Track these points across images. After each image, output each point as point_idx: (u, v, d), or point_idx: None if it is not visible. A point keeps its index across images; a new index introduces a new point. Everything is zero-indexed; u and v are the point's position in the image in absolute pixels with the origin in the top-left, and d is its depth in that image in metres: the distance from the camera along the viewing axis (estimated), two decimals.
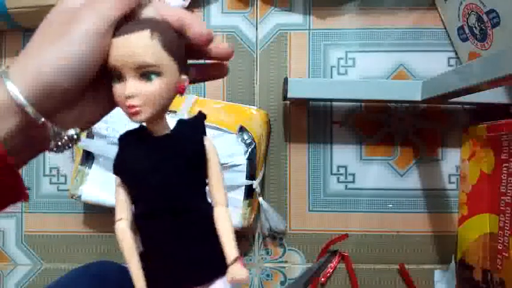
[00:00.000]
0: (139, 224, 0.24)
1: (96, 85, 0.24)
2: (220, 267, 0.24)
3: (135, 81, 0.23)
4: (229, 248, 0.24)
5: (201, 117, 0.26)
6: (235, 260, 0.23)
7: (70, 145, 0.23)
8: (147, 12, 0.24)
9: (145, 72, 0.22)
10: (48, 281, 0.45)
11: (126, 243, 0.24)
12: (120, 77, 0.23)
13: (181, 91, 0.24)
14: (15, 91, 0.21)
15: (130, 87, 0.22)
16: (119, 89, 0.23)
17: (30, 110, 0.21)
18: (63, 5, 0.23)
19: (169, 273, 0.24)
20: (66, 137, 0.23)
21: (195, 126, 0.26)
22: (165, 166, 0.24)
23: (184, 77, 0.25)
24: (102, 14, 0.22)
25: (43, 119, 0.22)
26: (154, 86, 0.23)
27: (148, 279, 0.24)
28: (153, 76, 0.23)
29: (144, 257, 0.24)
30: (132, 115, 0.23)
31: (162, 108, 0.24)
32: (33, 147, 0.24)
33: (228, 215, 0.25)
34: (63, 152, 0.24)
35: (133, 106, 0.23)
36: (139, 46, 0.22)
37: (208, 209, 0.25)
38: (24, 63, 0.22)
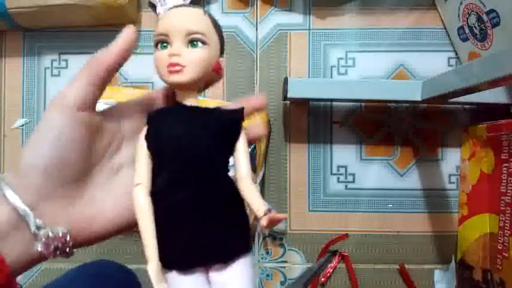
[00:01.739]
0: (160, 194, 0.24)
1: (95, 190, 0.25)
2: (241, 247, 0.24)
3: (182, 46, 0.24)
4: (260, 205, 0.23)
5: (242, 108, 0.26)
6: (268, 211, 0.23)
7: (57, 245, 0.22)
8: None
9: (193, 39, 0.24)
10: (48, 281, 0.45)
11: (142, 208, 0.23)
12: (165, 43, 0.24)
13: (217, 70, 0.25)
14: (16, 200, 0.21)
15: (177, 48, 0.23)
16: (161, 53, 0.24)
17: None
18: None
19: (187, 248, 0.23)
20: (51, 233, 0.22)
21: (237, 112, 0.26)
22: (200, 135, 0.24)
23: (222, 58, 0.26)
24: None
25: (24, 207, 0.21)
26: (199, 52, 0.24)
27: (162, 252, 0.23)
28: (199, 44, 0.24)
29: (160, 229, 0.23)
30: (174, 73, 0.23)
31: (200, 77, 0.24)
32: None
33: (252, 183, 0.24)
34: (51, 256, 0.22)
35: (177, 64, 0.23)
36: (193, 16, 0.24)
37: (233, 183, 0.25)
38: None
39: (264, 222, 0.22)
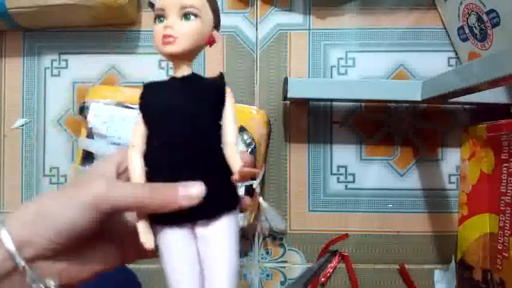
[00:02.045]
0: (153, 156, 0.26)
1: (87, 247, 0.25)
2: (226, 204, 0.26)
3: (176, 19, 0.25)
4: (236, 160, 0.25)
5: (223, 75, 0.28)
6: (242, 166, 0.25)
7: None
8: None
9: (186, 13, 0.25)
10: None
11: (135, 167, 0.25)
12: (161, 17, 0.26)
13: (210, 42, 0.27)
14: (7, 239, 0.22)
15: (171, 21, 0.25)
16: (158, 26, 0.26)
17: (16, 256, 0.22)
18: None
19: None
20: (42, 286, 0.23)
21: (220, 79, 0.27)
22: (190, 101, 0.26)
23: (216, 32, 0.27)
24: (101, 196, 0.23)
25: (23, 264, 0.22)
26: (192, 25, 0.26)
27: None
28: (192, 17, 0.25)
29: None
30: (166, 44, 0.25)
31: (193, 48, 0.26)
32: None
33: (238, 152, 0.26)
34: None
35: (170, 35, 0.25)
36: None
37: (220, 150, 0.26)
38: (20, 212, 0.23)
39: (235, 176, 0.25)
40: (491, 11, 0.51)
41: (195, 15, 0.25)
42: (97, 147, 0.57)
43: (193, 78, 0.27)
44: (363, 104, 0.64)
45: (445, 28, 0.63)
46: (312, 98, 0.62)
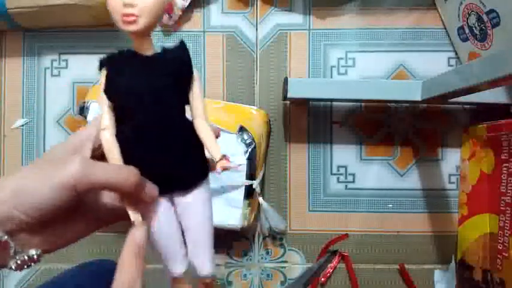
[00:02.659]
0: (126, 141, 0.26)
1: (66, 218, 0.26)
2: (200, 176, 0.28)
3: None
4: (215, 149, 0.27)
5: (183, 44, 0.28)
6: (223, 156, 0.27)
7: (29, 264, 0.24)
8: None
9: None
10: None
11: (109, 145, 0.26)
12: None
13: (169, 11, 0.27)
14: None
15: None
16: (115, 0, 0.25)
17: None
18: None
19: (154, 181, 0.26)
20: (26, 257, 0.24)
21: (181, 48, 0.27)
22: (156, 79, 0.25)
23: None
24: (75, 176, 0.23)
25: (5, 237, 0.23)
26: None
27: None
28: None
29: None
30: (127, 24, 0.24)
31: (153, 22, 0.25)
32: None
33: (208, 125, 0.27)
34: (21, 271, 0.24)
35: (131, 14, 0.24)
36: None
37: (190, 124, 0.27)
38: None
39: (218, 167, 0.27)
40: (491, 11, 0.51)
41: None
42: None
43: (157, 56, 0.26)
44: (363, 104, 0.64)
45: (445, 28, 0.63)
46: (312, 98, 0.62)
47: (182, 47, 0.27)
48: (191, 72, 0.27)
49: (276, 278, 0.65)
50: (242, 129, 0.56)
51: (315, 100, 0.64)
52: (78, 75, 0.66)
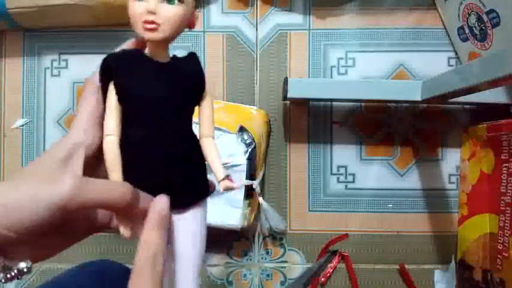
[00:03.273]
0: (131, 148, 0.25)
1: (56, 231, 0.25)
2: (201, 193, 0.27)
3: (158, 2, 0.24)
4: (220, 169, 0.26)
5: (195, 54, 0.27)
6: (226, 176, 0.26)
7: (19, 277, 0.23)
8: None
9: None
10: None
11: (112, 155, 0.24)
12: None
13: (191, 25, 0.27)
14: None
15: (153, 4, 0.24)
16: (138, 5, 0.24)
17: None
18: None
19: (155, 193, 0.25)
20: (16, 271, 0.23)
21: (194, 60, 0.27)
22: (169, 90, 0.25)
23: (196, 12, 0.27)
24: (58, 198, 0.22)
25: None
26: (176, 10, 0.24)
27: None
28: (176, 1, 0.24)
29: (129, 178, 0.25)
30: (149, 31, 0.24)
31: (175, 34, 0.25)
32: None
33: (215, 144, 0.27)
34: (12, 282, 0.24)
35: (153, 22, 0.24)
36: None
37: (197, 140, 0.27)
38: None
39: (221, 187, 0.26)
40: (491, 11, 0.51)
41: (179, 0, 0.24)
42: None
43: (173, 65, 0.26)
44: (363, 104, 0.64)
45: (445, 28, 0.63)
46: (312, 98, 0.62)
47: (194, 58, 0.27)
48: (204, 86, 0.27)
49: (276, 278, 0.65)
50: (242, 129, 0.56)
51: (315, 100, 0.64)
52: (78, 75, 0.66)
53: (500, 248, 0.52)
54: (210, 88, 0.27)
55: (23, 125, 0.66)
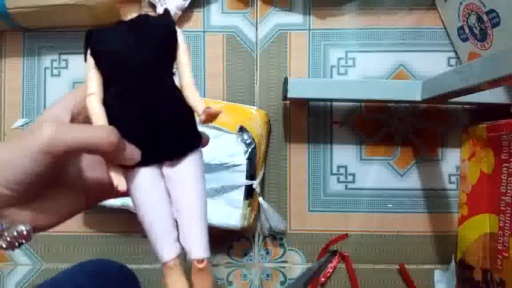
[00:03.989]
0: (112, 108, 0.25)
1: (50, 194, 0.25)
2: (190, 145, 0.27)
3: None
4: (200, 104, 0.26)
5: (167, 10, 0.27)
6: (207, 108, 0.25)
7: (21, 242, 0.23)
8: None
9: None
10: None
11: (96, 110, 0.25)
12: None
13: None
14: None
15: None
16: None
17: None
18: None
19: (142, 150, 0.25)
20: (15, 232, 0.23)
21: (166, 15, 0.27)
22: (142, 45, 0.25)
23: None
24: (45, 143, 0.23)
25: None
26: None
27: None
28: None
29: None
30: None
31: None
32: None
33: (195, 90, 0.26)
34: (15, 250, 0.24)
35: None
36: None
37: (179, 92, 0.27)
38: None
39: (202, 117, 0.25)
40: (491, 11, 0.51)
41: None
42: None
43: (141, 21, 0.26)
44: (363, 104, 0.64)
45: (445, 28, 0.63)
46: (312, 98, 0.62)
47: (166, 13, 0.27)
48: (176, 38, 0.26)
49: (276, 278, 0.65)
50: (242, 129, 0.56)
51: (315, 100, 0.64)
52: (78, 75, 0.66)
53: (500, 248, 0.52)
54: (181, 37, 0.27)
55: (23, 125, 0.66)
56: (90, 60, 0.25)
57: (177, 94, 0.26)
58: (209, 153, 0.54)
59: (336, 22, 0.65)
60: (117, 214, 0.62)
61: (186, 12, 0.64)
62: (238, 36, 0.65)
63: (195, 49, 0.65)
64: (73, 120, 0.26)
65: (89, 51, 0.25)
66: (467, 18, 0.57)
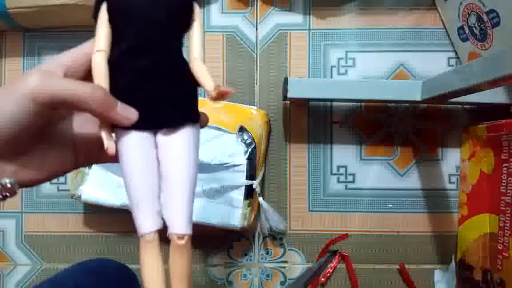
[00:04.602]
0: (117, 62, 0.25)
1: (39, 150, 0.25)
2: (189, 116, 0.26)
3: None
4: (209, 81, 0.25)
5: None
6: (218, 86, 0.25)
7: (5, 195, 0.24)
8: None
9: None
10: None
11: (99, 69, 0.25)
12: None
13: None
14: None
15: None
16: None
17: None
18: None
19: (139, 111, 0.25)
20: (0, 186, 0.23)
21: None
22: (157, 6, 0.24)
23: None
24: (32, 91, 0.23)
25: None
26: None
27: None
28: None
29: (114, 93, 0.24)
30: None
31: None
32: None
33: (205, 66, 0.26)
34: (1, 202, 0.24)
35: None
36: None
37: (185, 63, 0.26)
38: None
39: (213, 94, 0.24)
40: (491, 11, 0.51)
41: None
42: None
43: None
44: (363, 104, 0.64)
45: (445, 28, 0.63)
46: (312, 98, 0.62)
47: None
48: (192, 9, 0.26)
49: (276, 278, 0.65)
50: (242, 129, 0.56)
51: (315, 100, 0.64)
52: None
53: (500, 248, 0.52)
54: (198, 12, 0.26)
55: None
56: (104, 15, 0.25)
57: (183, 64, 0.26)
58: (209, 153, 0.54)
59: (336, 22, 0.65)
60: (117, 214, 0.62)
61: None
62: (238, 36, 0.65)
63: None
64: (67, 77, 0.25)
65: (105, 5, 0.25)
66: (467, 18, 0.57)
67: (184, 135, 0.26)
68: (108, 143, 0.24)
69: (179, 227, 0.25)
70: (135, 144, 0.25)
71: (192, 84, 0.26)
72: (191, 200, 0.25)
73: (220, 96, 0.24)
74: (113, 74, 0.25)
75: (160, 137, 0.25)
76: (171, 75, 0.25)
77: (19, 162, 0.24)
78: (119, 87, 0.25)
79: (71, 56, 0.26)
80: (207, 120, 0.29)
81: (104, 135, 0.24)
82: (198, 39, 0.26)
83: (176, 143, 0.25)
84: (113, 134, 0.25)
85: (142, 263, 0.24)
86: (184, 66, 0.26)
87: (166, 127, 0.25)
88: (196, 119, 0.27)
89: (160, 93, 0.25)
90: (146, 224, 0.24)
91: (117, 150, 0.25)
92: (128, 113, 0.24)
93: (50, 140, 0.26)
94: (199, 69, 0.25)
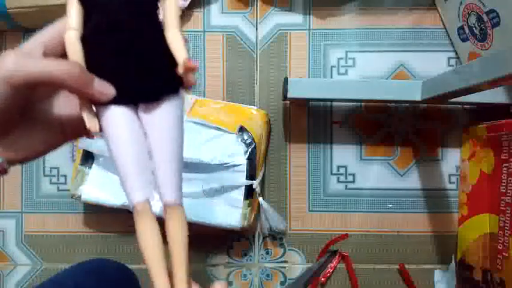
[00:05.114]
0: (90, 37, 0.25)
1: (25, 129, 0.26)
2: (169, 88, 0.25)
3: None
4: (181, 52, 0.25)
5: None
6: (187, 59, 0.24)
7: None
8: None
9: None
10: None
11: (73, 47, 0.24)
12: None
13: None
14: None
15: None
16: None
17: None
18: None
19: (118, 86, 0.24)
20: None
21: None
22: None
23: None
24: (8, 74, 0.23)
25: None
26: None
27: None
28: None
29: (92, 69, 0.24)
30: None
31: None
32: None
33: (179, 34, 0.25)
34: None
35: None
36: None
37: (161, 34, 0.25)
38: None
39: (180, 69, 0.24)
40: (491, 11, 0.51)
41: None
42: (97, 147, 0.57)
43: None
44: (363, 104, 0.64)
45: (445, 28, 0.63)
46: (312, 98, 0.62)
47: None
48: None
49: (276, 278, 0.65)
50: (242, 129, 0.56)
51: (315, 100, 0.64)
52: None
53: (500, 248, 0.52)
54: None
55: None
56: None
57: (158, 35, 0.25)
58: (209, 153, 0.54)
59: (336, 22, 0.65)
60: (117, 214, 0.62)
61: (186, 12, 0.64)
62: (238, 36, 0.65)
63: (195, 49, 0.65)
64: (47, 55, 0.25)
65: None
66: (467, 18, 0.57)
67: (166, 106, 0.25)
68: (90, 123, 0.24)
69: (169, 194, 0.25)
70: (117, 119, 0.25)
71: (169, 53, 0.25)
72: (179, 168, 0.25)
73: (186, 71, 0.24)
74: (86, 51, 0.24)
75: (143, 111, 0.25)
76: (145, 48, 0.25)
77: (4, 142, 0.25)
78: (94, 64, 0.24)
79: (49, 34, 0.26)
80: (194, 81, 0.27)
81: (85, 115, 0.24)
82: (171, 8, 0.26)
83: (159, 115, 0.25)
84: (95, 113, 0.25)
85: (138, 235, 0.25)
86: (159, 37, 0.25)
87: (146, 100, 0.25)
88: (177, 88, 0.26)
89: (135, 66, 0.25)
90: (135, 194, 0.24)
91: (102, 128, 0.25)
92: (105, 88, 0.24)
93: (35, 119, 0.27)
94: (173, 40, 0.25)
